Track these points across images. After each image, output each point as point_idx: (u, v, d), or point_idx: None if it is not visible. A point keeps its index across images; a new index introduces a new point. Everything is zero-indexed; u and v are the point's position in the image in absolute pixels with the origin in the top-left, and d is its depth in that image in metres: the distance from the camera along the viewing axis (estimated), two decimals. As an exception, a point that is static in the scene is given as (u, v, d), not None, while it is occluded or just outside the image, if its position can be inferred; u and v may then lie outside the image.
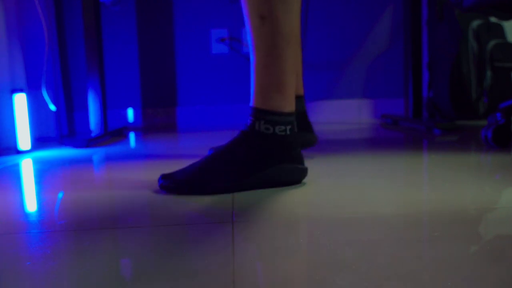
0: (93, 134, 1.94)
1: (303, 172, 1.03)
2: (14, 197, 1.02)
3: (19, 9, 1.97)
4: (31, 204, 0.95)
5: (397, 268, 0.57)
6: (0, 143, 1.73)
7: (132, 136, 2.13)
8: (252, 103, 0.99)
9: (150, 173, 1.22)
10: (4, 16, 1.82)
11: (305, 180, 1.05)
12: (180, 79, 2.52)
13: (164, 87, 2.52)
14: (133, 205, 0.91)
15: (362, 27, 2.54)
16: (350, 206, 0.85)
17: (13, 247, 0.70)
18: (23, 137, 1.69)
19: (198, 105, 2.52)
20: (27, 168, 1.40)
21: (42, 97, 2.03)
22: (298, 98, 1.29)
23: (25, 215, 0.87)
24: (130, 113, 2.51)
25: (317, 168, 1.20)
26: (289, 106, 0.99)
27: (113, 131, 2.10)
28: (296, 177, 1.02)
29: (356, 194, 0.94)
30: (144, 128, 2.42)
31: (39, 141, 1.95)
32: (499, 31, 2.29)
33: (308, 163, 1.17)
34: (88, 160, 1.49)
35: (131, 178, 1.17)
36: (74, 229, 0.78)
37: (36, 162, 1.49)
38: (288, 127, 0.98)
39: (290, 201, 0.90)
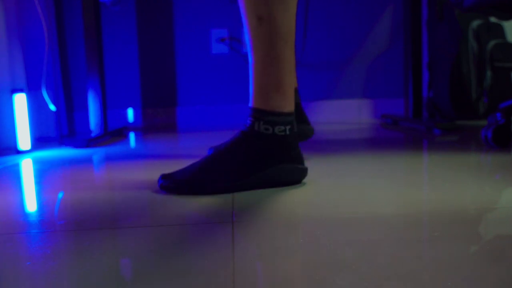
0: (93, 134, 1.94)
1: (303, 172, 1.03)
2: (14, 197, 1.02)
3: (19, 9, 1.97)
4: (31, 204, 0.95)
5: (397, 268, 0.57)
6: (0, 143, 1.74)
7: (132, 136, 2.13)
8: (251, 103, 0.99)
9: (150, 173, 1.22)
10: (4, 16, 1.82)
11: (305, 180, 1.05)
12: (180, 79, 2.52)
13: (164, 87, 2.52)
14: (133, 205, 0.91)
15: (362, 27, 2.54)
16: (350, 206, 0.85)
17: (13, 247, 0.70)
18: (23, 137, 1.69)
19: (198, 105, 2.52)
20: (27, 168, 1.40)
21: (42, 97, 2.03)
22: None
23: (25, 215, 0.87)
24: (130, 113, 2.51)
25: (317, 168, 1.20)
26: (289, 106, 0.99)
27: (113, 131, 2.10)
28: (296, 177, 1.02)
29: (356, 194, 0.94)
30: (144, 128, 2.42)
31: (39, 141, 1.95)
32: (499, 31, 2.29)
33: (308, 163, 1.17)
34: (88, 160, 1.49)
35: (131, 178, 1.17)
36: (74, 229, 0.78)
37: (36, 162, 1.49)
38: (288, 127, 0.98)
39: (290, 201, 0.90)
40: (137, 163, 1.42)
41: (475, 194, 0.91)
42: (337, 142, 1.69)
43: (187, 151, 1.61)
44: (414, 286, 0.52)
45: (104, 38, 2.34)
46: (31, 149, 1.72)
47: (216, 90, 2.53)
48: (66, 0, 2.41)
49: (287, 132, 0.98)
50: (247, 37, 0.98)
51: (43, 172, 1.32)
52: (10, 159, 1.55)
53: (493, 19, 2.28)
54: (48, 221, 0.82)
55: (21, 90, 1.71)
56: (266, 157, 0.97)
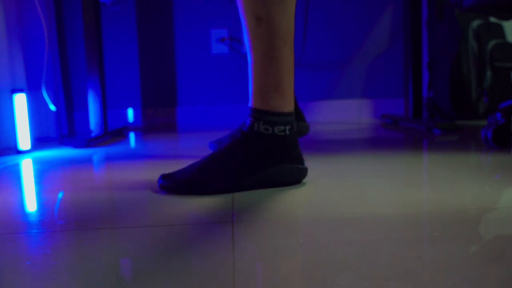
0: (93, 134, 1.94)
1: (303, 172, 1.03)
2: (14, 197, 1.02)
3: (19, 9, 1.97)
4: (31, 204, 0.95)
5: (397, 268, 0.57)
6: (0, 143, 1.74)
7: (132, 136, 2.13)
8: (250, 103, 0.99)
9: (150, 173, 1.22)
10: (4, 16, 1.82)
11: (305, 180, 1.05)
12: (180, 79, 2.52)
13: (164, 87, 2.52)
14: (133, 205, 0.91)
15: (362, 27, 2.54)
16: (350, 206, 0.85)
17: (13, 247, 0.70)
18: (23, 137, 1.69)
19: (198, 105, 2.52)
20: (27, 168, 1.40)
21: (42, 97, 2.03)
22: None
23: (25, 215, 0.87)
24: (130, 113, 2.51)
25: (317, 168, 1.20)
26: (288, 106, 0.99)
27: (113, 131, 2.10)
28: (296, 177, 1.02)
29: (356, 194, 0.94)
30: (144, 128, 2.42)
31: (39, 141, 1.95)
32: (499, 31, 2.29)
33: (308, 163, 1.17)
34: (88, 160, 1.49)
35: (131, 178, 1.17)
36: (74, 229, 0.78)
37: (36, 162, 1.49)
38: (287, 127, 0.98)
39: (290, 201, 0.90)
40: (137, 163, 1.42)
41: (475, 194, 0.91)
42: (337, 142, 1.69)
43: (187, 151, 1.61)
44: (414, 286, 0.52)
45: (104, 38, 2.34)
46: (31, 149, 1.72)
47: (216, 90, 2.53)
48: (66, 0, 2.41)
49: (287, 132, 0.98)
50: (245, 37, 0.98)
51: (43, 172, 1.32)
52: (10, 159, 1.55)
53: (493, 19, 2.28)
54: (48, 221, 0.82)
55: (21, 90, 1.72)
56: (266, 157, 0.97)
